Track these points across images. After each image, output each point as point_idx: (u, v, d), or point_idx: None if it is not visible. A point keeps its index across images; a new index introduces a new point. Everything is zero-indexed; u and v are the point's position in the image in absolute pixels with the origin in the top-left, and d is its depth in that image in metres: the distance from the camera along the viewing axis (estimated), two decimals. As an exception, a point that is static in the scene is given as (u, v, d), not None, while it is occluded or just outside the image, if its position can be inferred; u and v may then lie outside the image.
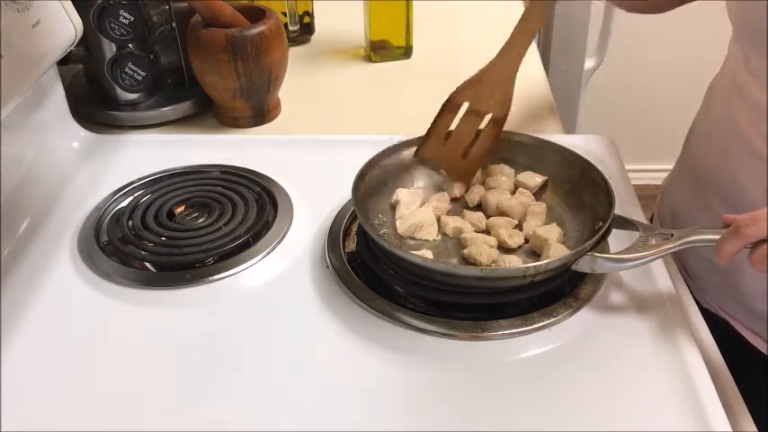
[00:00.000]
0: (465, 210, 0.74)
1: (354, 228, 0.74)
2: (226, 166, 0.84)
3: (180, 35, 0.94)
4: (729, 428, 0.54)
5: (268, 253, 0.71)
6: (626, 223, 0.66)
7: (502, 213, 0.72)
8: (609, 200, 0.67)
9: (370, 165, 0.74)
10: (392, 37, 1.12)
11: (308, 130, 0.95)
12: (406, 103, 1.02)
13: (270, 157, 0.85)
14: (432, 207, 0.73)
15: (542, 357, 0.61)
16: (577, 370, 0.60)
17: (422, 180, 0.78)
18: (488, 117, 0.75)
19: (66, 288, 0.69)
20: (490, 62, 0.75)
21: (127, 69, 0.92)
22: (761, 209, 0.56)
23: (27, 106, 0.79)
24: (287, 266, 0.70)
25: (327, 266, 0.69)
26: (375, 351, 0.61)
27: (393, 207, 0.74)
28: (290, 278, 0.69)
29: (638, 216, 0.74)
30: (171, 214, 0.76)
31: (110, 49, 0.92)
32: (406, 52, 1.14)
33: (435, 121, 0.75)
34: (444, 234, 0.72)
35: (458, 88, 0.75)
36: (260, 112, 0.96)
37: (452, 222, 0.71)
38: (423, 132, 0.76)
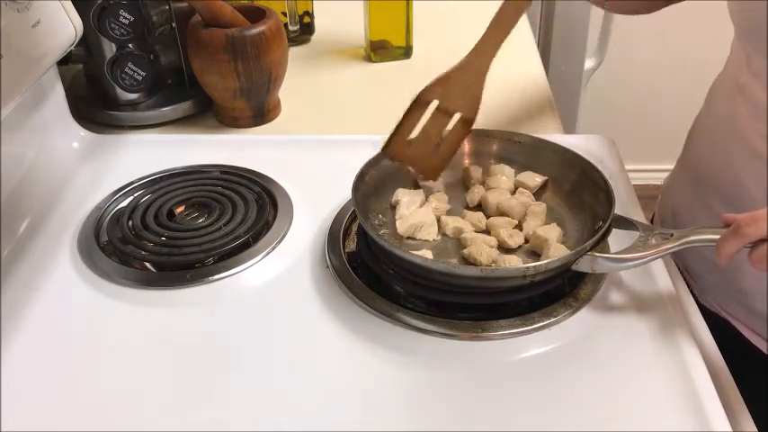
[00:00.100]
0: (465, 210, 0.74)
1: (354, 228, 0.74)
2: (226, 166, 0.84)
3: (180, 35, 0.94)
4: (729, 428, 0.54)
5: (268, 253, 0.71)
6: (626, 223, 0.66)
7: (502, 213, 0.72)
8: (609, 200, 0.67)
9: (370, 165, 0.74)
10: (392, 37, 1.12)
11: (308, 130, 0.95)
12: (406, 103, 1.01)
13: (270, 157, 0.85)
14: (432, 207, 0.73)
15: (542, 357, 0.61)
16: (577, 370, 0.60)
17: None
18: (458, 116, 0.74)
19: (66, 288, 0.69)
20: (461, 61, 0.73)
21: (127, 69, 0.92)
22: (761, 208, 0.56)
23: (27, 106, 0.79)
24: (287, 266, 0.70)
25: (327, 266, 0.69)
26: (375, 351, 0.61)
27: (393, 207, 0.74)
28: (290, 278, 0.69)
29: (638, 216, 0.74)
30: (171, 214, 0.76)
31: (110, 49, 0.92)
32: (406, 52, 1.14)
33: (403, 117, 0.74)
34: (444, 234, 0.71)
35: (427, 85, 0.73)
36: (260, 112, 0.96)
37: (452, 222, 0.71)
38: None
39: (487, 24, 0.71)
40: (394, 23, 1.11)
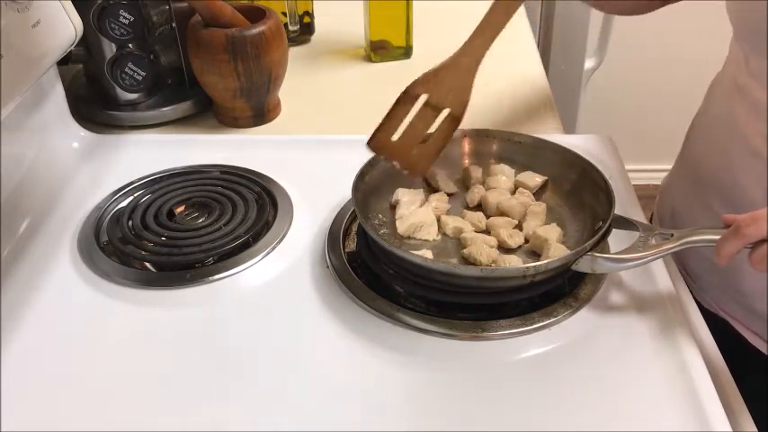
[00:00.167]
0: (465, 210, 0.74)
1: (354, 228, 0.74)
2: (226, 166, 0.84)
3: (180, 35, 0.94)
4: (729, 428, 0.54)
5: (268, 253, 0.71)
6: (626, 223, 0.66)
7: (502, 213, 0.72)
8: (609, 200, 0.67)
9: (370, 165, 0.74)
10: (392, 37, 1.12)
11: (308, 130, 0.95)
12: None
13: (270, 157, 0.85)
14: (432, 207, 0.73)
15: (542, 357, 0.61)
16: (577, 370, 0.60)
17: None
18: (446, 112, 0.73)
19: (66, 288, 0.69)
20: (451, 56, 0.72)
21: (127, 69, 0.92)
22: (761, 209, 0.56)
23: (27, 106, 0.79)
24: (287, 266, 0.70)
25: (327, 266, 0.69)
26: (375, 351, 0.61)
27: (393, 207, 0.74)
28: (290, 278, 0.69)
29: (638, 216, 0.74)
30: (171, 214, 0.76)
31: (110, 49, 0.92)
32: (406, 52, 1.14)
33: (390, 111, 0.72)
34: (444, 234, 0.71)
35: (416, 80, 0.72)
36: (260, 112, 0.96)
37: (452, 222, 0.71)
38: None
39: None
40: (394, 23, 1.11)
